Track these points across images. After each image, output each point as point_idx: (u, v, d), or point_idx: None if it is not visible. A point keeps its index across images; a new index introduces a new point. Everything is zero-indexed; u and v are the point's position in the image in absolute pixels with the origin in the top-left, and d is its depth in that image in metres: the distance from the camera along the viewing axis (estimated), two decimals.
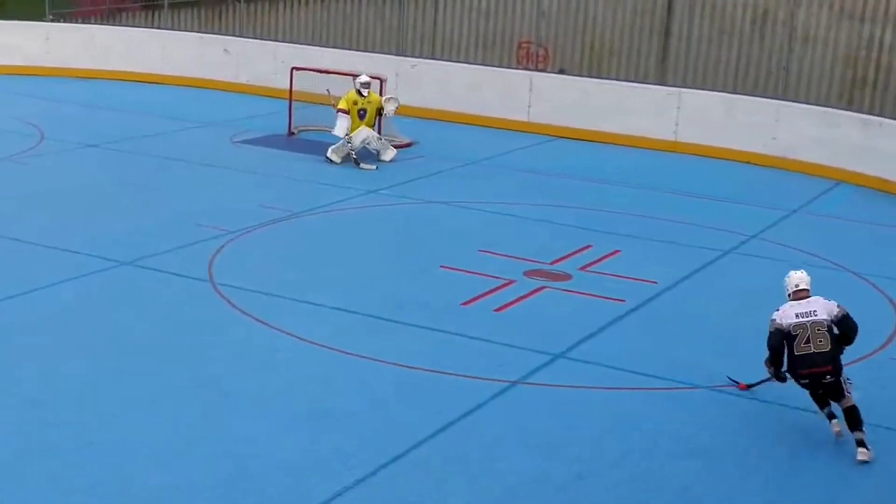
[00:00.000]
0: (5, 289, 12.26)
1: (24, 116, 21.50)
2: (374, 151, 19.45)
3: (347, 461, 9.15)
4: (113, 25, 28.33)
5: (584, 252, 14.90)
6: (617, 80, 23.76)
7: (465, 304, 12.76)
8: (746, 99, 21.61)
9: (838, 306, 9.97)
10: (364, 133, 19.21)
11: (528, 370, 11.10)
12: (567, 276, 13.90)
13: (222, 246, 14.37)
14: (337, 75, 21.05)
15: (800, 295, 10.09)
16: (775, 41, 23.64)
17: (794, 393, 10.39)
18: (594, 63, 26.83)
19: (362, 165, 18.90)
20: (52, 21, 27.69)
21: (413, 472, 9.10)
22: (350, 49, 25.66)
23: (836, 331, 9.86)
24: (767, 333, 10.05)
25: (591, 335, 12.05)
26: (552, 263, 14.35)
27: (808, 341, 9.78)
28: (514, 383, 10.80)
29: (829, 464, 9.64)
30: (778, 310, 10.09)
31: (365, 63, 23.01)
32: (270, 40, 26.67)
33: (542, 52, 26.01)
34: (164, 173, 18.15)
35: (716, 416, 10.36)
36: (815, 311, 9.92)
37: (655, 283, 13.74)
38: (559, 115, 22.47)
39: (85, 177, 17.64)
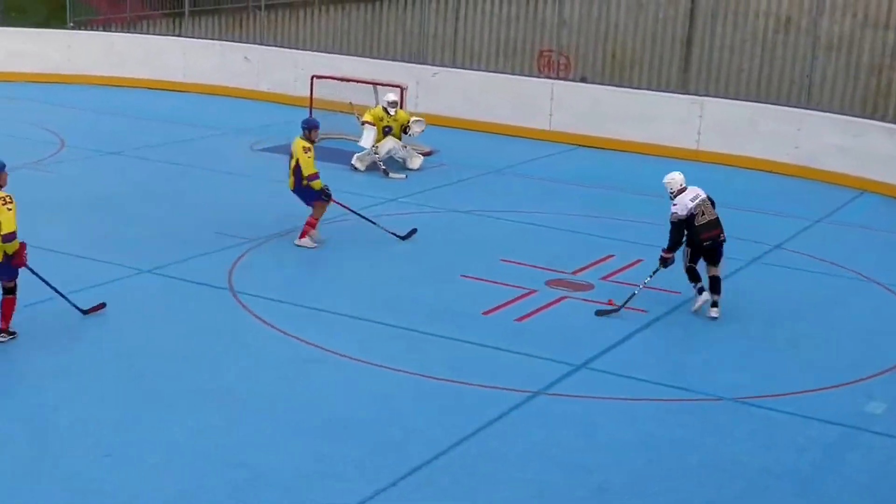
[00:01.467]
0: (25, 297, 12.24)
1: (45, 123, 21.56)
2: (401, 160, 19.45)
3: (363, 471, 9.10)
4: (134, 33, 28.41)
5: (607, 261, 14.84)
6: (639, 88, 23.69)
7: (486, 313, 12.71)
8: (769, 108, 21.50)
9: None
10: (389, 143, 19.20)
11: (549, 381, 11.04)
12: (589, 286, 13.83)
13: (242, 254, 14.36)
14: (357, 83, 21.07)
15: (683, 188, 13.23)
16: (798, 49, 23.53)
17: (817, 405, 10.32)
18: (616, 71, 26.77)
19: (391, 175, 18.89)
20: (74, 28, 27.80)
21: (431, 483, 9.05)
22: (370, 57, 25.67)
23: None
24: (682, 255, 13.04)
25: (614, 346, 11.98)
26: (574, 273, 14.29)
27: (703, 215, 12.98)
28: (535, 394, 10.73)
29: (852, 477, 9.55)
30: (674, 205, 13.08)
31: (385, 71, 23.02)
32: (291, 48, 26.69)
33: (563, 60, 25.96)
34: (185, 181, 18.15)
35: (739, 428, 10.28)
36: (698, 194, 13.15)
37: (678, 293, 13.65)
38: (581, 124, 22.42)
39: (105, 184, 17.65)
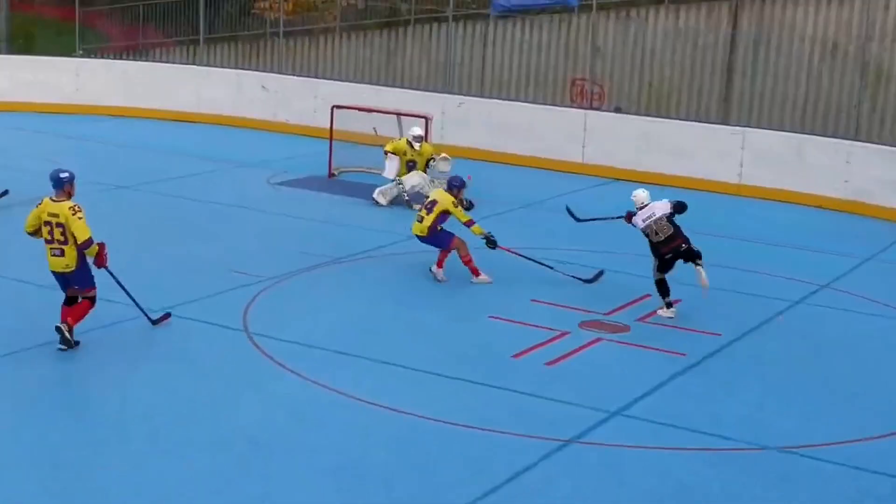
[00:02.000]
0: (34, 336, 12.30)
1: (53, 156, 21.62)
2: (426, 197, 19.48)
3: None
4: (146, 61, 28.64)
5: (643, 302, 14.79)
6: (677, 118, 23.71)
7: (515, 356, 12.67)
8: (816, 139, 21.46)
9: (669, 202, 14.68)
10: (415, 178, 19.22)
11: (582, 428, 10.98)
12: (624, 328, 13.79)
13: (257, 294, 14.38)
14: (380, 114, 21.15)
15: (644, 206, 14.62)
16: (846, 77, 23.52)
17: (869, 455, 10.24)
18: (652, 101, 26.79)
19: (416, 207, 18.92)
20: (83, 56, 28.03)
21: None
22: (393, 86, 25.81)
23: (675, 219, 14.45)
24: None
25: (651, 391, 11.92)
26: (608, 314, 14.25)
27: (657, 234, 14.36)
28: (567, 442, 10.68)
29: None
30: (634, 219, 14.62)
31: (409, 101, 23.11)
32: (310, 77, 26.87)
33: (597, 89, 26.00)
34: (198, 217, 18.23)
35: (785, 480, 10.19)
36: (653, 213, 14.48)
37: (719, 335, 13.59)
38: (616, 156, 22.42)
39: (114, 220, 17.69)
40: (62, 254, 12.09)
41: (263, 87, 25.98)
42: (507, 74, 28.09)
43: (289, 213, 18.50)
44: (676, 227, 14.51)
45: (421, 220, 15.44)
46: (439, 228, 15.40)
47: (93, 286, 12.26)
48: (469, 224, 15.30)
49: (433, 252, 15.61)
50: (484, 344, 13.06)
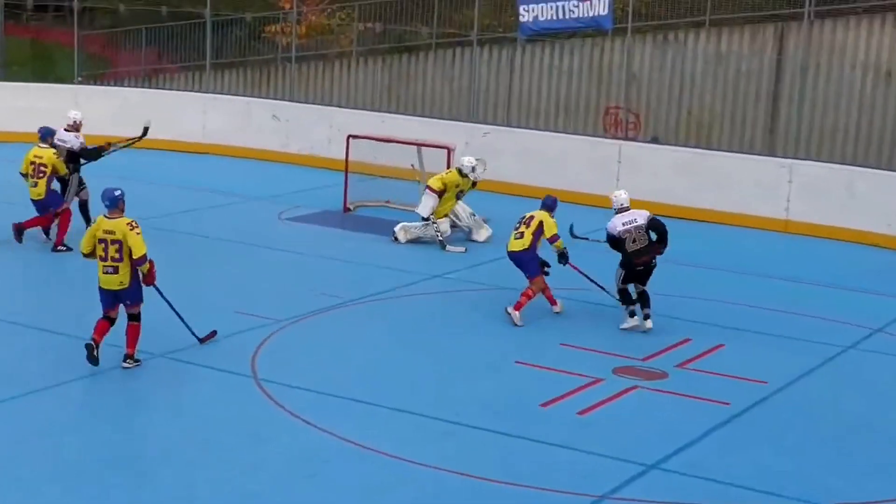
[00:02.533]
0: (28, 382, 12.32)
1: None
2: (466, 230, 19.58)
3: None
4: (149, 88, 28.80)
5: (682, 346, 14.76)
6: (718, 150, 23.74)
7: (544, 405, 12.65)
8: (868, 172, 21.45)
9: (649, 215, 15.40)
10: (446, 224, 19.30)
11: (617, 483, 10.93)
12: (662, 375, 13.75)
13: (267, 337, 14.40)
14: (399, 144, 21.20)
15: (623, 210, 15.42)
16: None
17: None
18: (692, 131, 26.85)
19: (449, 248, 18.96)
20: (82, 83, 28.19)
21: None
22: (414, 114, 25.91)
23: (651, 232, 15.27)
24: None
25: (691, 443, 11.87)
26: (645, 360, 14.22)
27: (634, 241, 15.20)
28: (600, 498, 10.64)
29: None
30: (609, 222, 15.40)
31: (431, 130, 23.20)
32: (324, 105, 27.00)
33: (632, 118, 26.07)
34: (203, 254, 18.28)
35: None
36: (635, 219, 15.30)
37: (765, 383, 13.54)
38: (652, 190, 22.36)
39: None
40: (116, 271, 12.95)
41: (274, 116, 26.10)
42: (536, 102, 28.20)
43: (300, 251, 18.54)
44: (650, 241, 15.36)
45: (521, 235, 15.85)
46: (539, 244, 15.93)
47: (141, 301, 13.22)
48: (555, 239, 15.90)
49: (452, 293, 15.60)
50: (510, 392, 13.04)
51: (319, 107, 26.66)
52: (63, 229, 18.15)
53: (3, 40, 31.15)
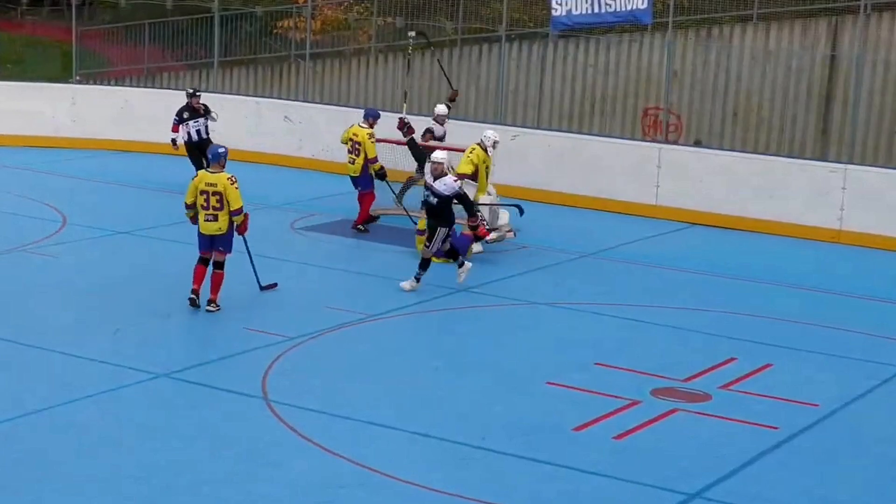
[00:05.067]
0: (21, 404, 12.38)
1: (45, 197, 21.94)
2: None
3: None
4: (152, 88, 28.91)
5: (727, 366, 14.75)
6: (766, 154, 23.71)
7: (577, 429, 12.66)
8: None
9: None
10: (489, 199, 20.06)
11: None
12: (705, 397, 13.74)
13: (279, 355, 14.44)
14: (422, 147, 21.22)
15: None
16: None
17: None
18: (737, 134, 26.85)
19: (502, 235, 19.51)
20: (80, 83, 28.32)
21: None
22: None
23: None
24: None
25: (735, 470, 11.86)
26: (686, 381, 14.21)
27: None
28: None
29: None
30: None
31: (456, 133, 23.14)
32: (340, 105, 27.03)
33: (673, 119, 26.06)
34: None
35: None
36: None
37: (816, 405, 13.52)
38: (695, 198, 22.41)
39: (113, 270, 17.88)
40: (216, 219, 15.78)
41: (287, 117, 26.18)
42: (569, 103, 28.22)
43: (315, 263, 18.59)
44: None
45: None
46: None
47: (230, 251, 15.99)
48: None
49: (478, 308, 15.62)
50: (541, 414, 13.04)
51: (335, 107, 26.69)
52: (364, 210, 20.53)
53: None
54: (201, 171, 16.29)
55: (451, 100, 22.95)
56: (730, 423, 13.01)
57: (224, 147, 16.29)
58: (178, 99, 27.26)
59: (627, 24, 25.98)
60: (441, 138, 21.62)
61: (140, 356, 14.10)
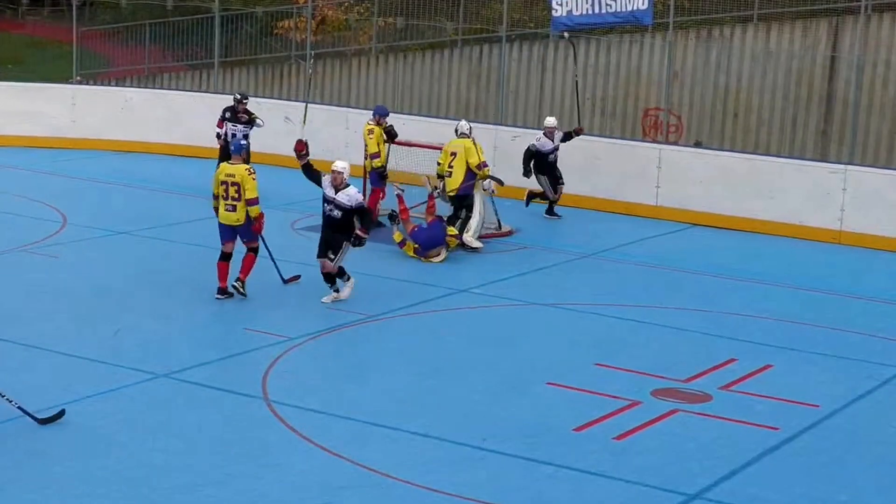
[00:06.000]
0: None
1: (45, 197, 21.94)
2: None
3: None
4: (152, 88, 28.91)
5: (727, 367, 14.75)
6: (767, 155, 23.69)
7: (577, 430, 12.65)
8: None
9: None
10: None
11: None
12: (705, 397, 13.74)
13: (279, 356, 14.44)
14: (422, 149, 21.23)
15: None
16: None
17: None
18: (738, 134, 26.85)
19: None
20: (80, 83, 28.32)
21: None
22: (438, 116, 25.94)
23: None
24: None
25: (736, 471, 11.86)
26: (687, 381, 14.21)
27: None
28: None
29: None
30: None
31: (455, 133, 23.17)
32: (341, 106, 27.03)
33: (673, 120, 26.06)
34: (209, 266, 18.32)
35: None
36: None
37: (817, 406, 13.52)
38: (695, 198, 22.40)
39: (113, 270, 17.88)
40: (234, 209, 16.34)
41: (287, 118, 26.15)
42: (569, 103, 28.19)
43: (315, 263, 18.54)
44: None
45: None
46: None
47: (256, 239, 16.57)
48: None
49: (478, 309, 15.61)
50: (541, 415, 13.03)
51: (335, 108, 26.70)
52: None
53: None
54: (223, 163, 16.97)
55: (577, 133, 22.53)
56: (730, 424, 13.00)
57: (246, 140, 17.52)
58: (179, 100, 27.44)
59: (628, 25, 25.97)
60: (547, 153, 21.67)
61: (140, 356, 14.10)
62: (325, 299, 16.55)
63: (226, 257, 16.47)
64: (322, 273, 16.61)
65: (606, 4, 23.30)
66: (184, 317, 15.82)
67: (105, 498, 10.78)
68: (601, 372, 14.40)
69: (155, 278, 17.54)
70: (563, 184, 21.97)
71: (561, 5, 23.71)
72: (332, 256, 16.52)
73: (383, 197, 20.83)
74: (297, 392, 13.32)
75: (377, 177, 20.77)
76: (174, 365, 13.92)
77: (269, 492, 11.01)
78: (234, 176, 16.33)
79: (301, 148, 17.48)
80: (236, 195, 16.30)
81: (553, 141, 21.87)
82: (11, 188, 22.73)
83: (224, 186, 16.37)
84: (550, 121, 22.25)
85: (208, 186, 23.36)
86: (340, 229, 16.54)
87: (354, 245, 16.53)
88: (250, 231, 16.49)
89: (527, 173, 21.77)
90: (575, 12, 23.71)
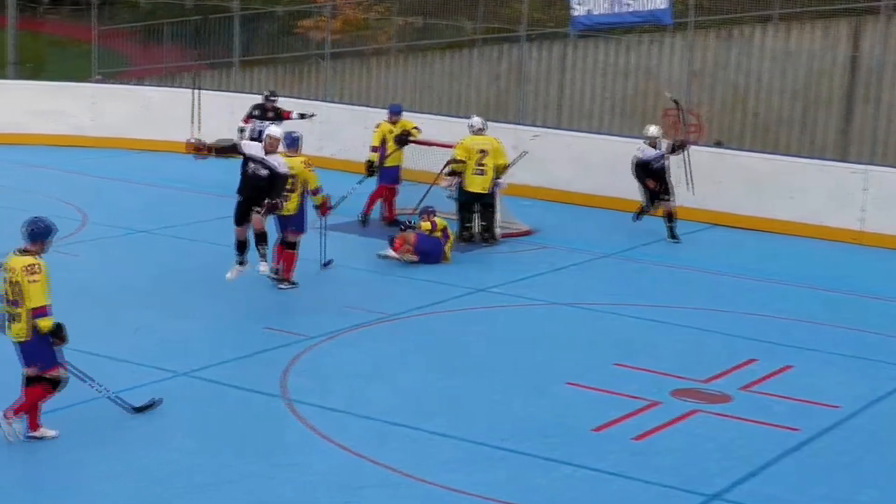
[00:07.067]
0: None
1: (65, 195, 21.97)
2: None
3: None
4: (172, 87, 28.93)
5: (747, 367, 14.72)
6: (787, 155, 23.61)
7: (596, 430, 12.64)
8: None
9: None
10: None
11: None
12: (725, 398, 13.71)
13: (298, 355, 14.45)
14: (442, 148, 21.22)
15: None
16: None
17: None
18: (758, 134, 26.78)
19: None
20: (100, 82, 28.37)
21: None
22: (457, 116, 25.86)
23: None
24: None
25: (755, 472, 11.83)
26: (706, 381, 14.18)
27: None
28: None
29: None
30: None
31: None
32: (360, 105, 27.03)
33: (693, 120, 26.00)
34: (229, 265, 18.34)
35: None
36: None
37: (838, 407, 13.48)
38: (716, 198, 22.34)
39: (133, 269, 17.90)
40: (287, 199, 16.73)
41: (302, 115, 26.13)
42: (589, 103, 28.19)
43: (336, 263, 18.57)
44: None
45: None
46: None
47: (303, 231, 17.22)
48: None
49: (497, 309, 15.59)
50: (560, 415, 13.02)
51: (355, 107, 26.71)
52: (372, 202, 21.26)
53: (16, 36, 31.40)
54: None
55: (681, 146, 21.46)
56: (750, 425, 12.97)
57: (299, 132, 17.63)
58: (200, 99, 27.45)
59: (648, 25, 25.93)
60: (649, 161, 20.88)
61: (159, 355, 14.12)
62: (229, 275, 16.58)
63: (290, 246, 17.14)
64: (237, 241, 16.61)
65: (626, 4, 23.29)
66: (204, 315, 15.84)
67: (123, 496, 10.79)
68: (620, 372, 14.38)
69: (175, 277, 17.57)
70: (666, 199, 20.87)
71: (580, 4, 23.71)
72: (259, 210, 16.38)
73: (393, 196, 21.17)
74: (316, 391, 13.33)
75: (386, 174, 20.97)
76: (194, 363, 13.94)
77: (289, 491, 11.02)
78: (291, 168, 16.68)
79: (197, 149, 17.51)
80: (290, 187, 16.78)
81: (657, 149, 20.95)
82: (32, 187, 22.77)
83: None
84: (651, 130, 21.31)
85: (228, 185, 23.49)
86: (264, 189, 16.34)
87: (268, 213, 16.50)
88: (301, 221, 17.14)
89: (640, 183, 20.96)
90: (594, 12, 23.71)
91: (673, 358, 14.91)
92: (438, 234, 18.68)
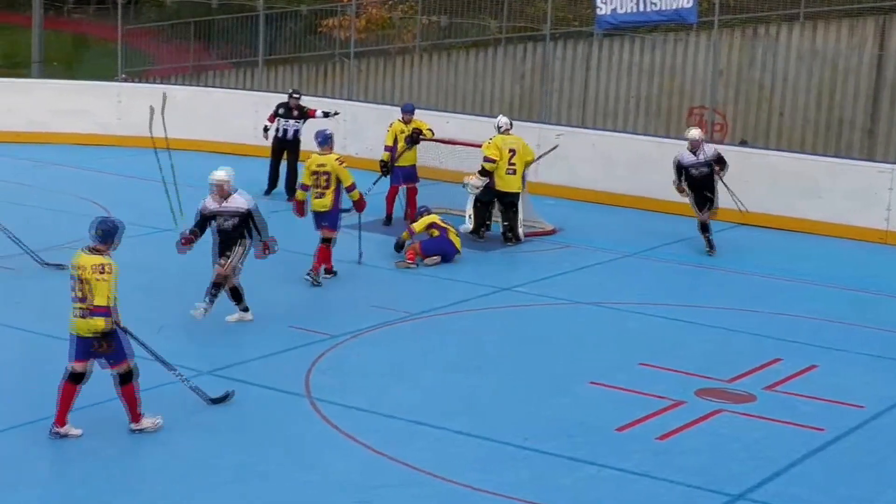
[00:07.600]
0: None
1: (90, 194, 22.00)
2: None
3: None
4: (197, 86, 28.99)
5: (772, 367, 14.68)
6: (813, 154, 23.55)
7: (620, 429, 12.62)
8: None
9: None
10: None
11: None
12: (750, 398, 13.68)
13: (322, 354, 14.46)
14: (466, 147, 21.21)
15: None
16: None
17: None
18: (783, 133, 26.72)
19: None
20: (125, 81, 28.43)
21: None
22: (481, 115, 25.89)
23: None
24: None
25: (780, 472, 11.80)
26: (731, 381, 14.15)
27: None
28: None
29: None
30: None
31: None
32: (385, 104, 27.02)
33: (718, 119, 25.95)
34: (253, 265, 18.35)
35: None
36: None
37: (862, 407, 13.43)
38: (741, 198, 22.26)
39: (155, 268, 17.91)
40: (322, 196, 17.29)
41: (326, 113, 26.16)
42: (613, 102, 28.16)
43: (359, 261, 18.59)
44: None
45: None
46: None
47: (337, 228, 17.49)
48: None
49: (521, 308, 15.58)
50: (584, 415, 13.01)
51: (379, 106, 26.69)
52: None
53: (41, 35, 31.52)
54: (313, 155, 17.61)
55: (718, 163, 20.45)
56: (775, 425, 12.95)
57: (330, 129, 17.95)
58: (224, 98, 27.54)
59: (673, 24, 25.88)
60: (688, 166, 19.87)
61: (184, 353, 14.11)
62: (230, 318, 15.50)
63: (325, 241, 17.40)
64: (228, 290, 15.51)
65: (651, 2, 23.25)
66: (226, 314, 15.83)
67: (146, 493, 10.82)
68: (645, 371, 14.35)
69: (198, 275, 17.55)
70: (711, 208, 19.85)
71: (605, 3, 23.68)
72: (228, 255, 15.40)
73: (414, 195, 21.18)
74: (339, 390, 13.34)
75: (399, 173, 21.13)
76: (218, 362, 13.96)
77: (312, 489, 11.04)
78: (324, 166, 17.22)
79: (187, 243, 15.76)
80: (325, 184, 17.21)
81: (697, 155, 19.83)
82: (58, 185, 22.85)
83: (315, 177, 17.30)
84: (693, 133, 20.30)
85: (254, 183, 23.54)
86: (234, 239, 15.44)
87: (268, 252, 15.60)
88: (335, 218, 17.39)
89: (678, 186, 20.03)
90: (619, 10, 23.67)
91: (697, 358, 14.88)
92: (435, 232, 18.64)
